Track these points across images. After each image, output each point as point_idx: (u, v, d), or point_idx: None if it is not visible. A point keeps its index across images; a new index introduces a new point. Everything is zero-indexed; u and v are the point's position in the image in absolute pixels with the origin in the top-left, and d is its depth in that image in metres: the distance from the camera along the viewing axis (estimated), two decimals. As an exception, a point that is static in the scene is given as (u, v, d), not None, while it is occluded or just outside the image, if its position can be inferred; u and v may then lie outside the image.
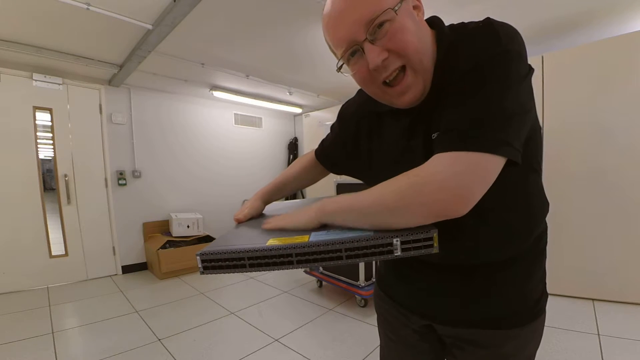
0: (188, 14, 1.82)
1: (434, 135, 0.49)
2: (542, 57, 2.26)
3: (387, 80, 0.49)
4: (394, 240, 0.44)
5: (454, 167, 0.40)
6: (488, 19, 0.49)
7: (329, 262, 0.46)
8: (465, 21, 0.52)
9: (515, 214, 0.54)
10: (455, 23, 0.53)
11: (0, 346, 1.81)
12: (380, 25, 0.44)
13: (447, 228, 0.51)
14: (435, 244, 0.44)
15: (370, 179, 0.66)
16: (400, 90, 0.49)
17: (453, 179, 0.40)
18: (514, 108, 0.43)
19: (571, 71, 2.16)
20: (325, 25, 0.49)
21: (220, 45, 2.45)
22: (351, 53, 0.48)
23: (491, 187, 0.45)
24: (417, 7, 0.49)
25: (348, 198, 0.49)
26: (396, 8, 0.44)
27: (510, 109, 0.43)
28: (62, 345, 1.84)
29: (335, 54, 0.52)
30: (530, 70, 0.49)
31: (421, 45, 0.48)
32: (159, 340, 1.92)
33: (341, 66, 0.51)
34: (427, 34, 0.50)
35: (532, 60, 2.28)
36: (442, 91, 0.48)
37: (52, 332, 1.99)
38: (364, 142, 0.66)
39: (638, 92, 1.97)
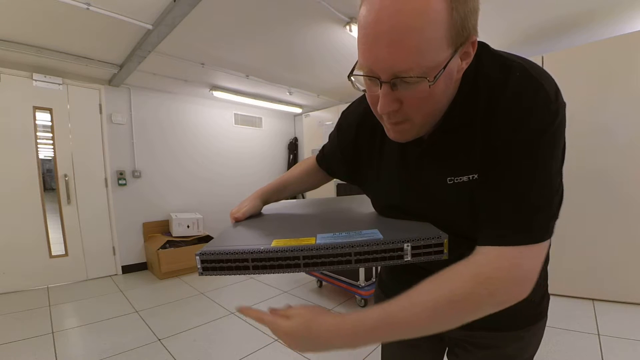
0: (188, 14, 1.82)
1: (451, 180, 0.48)
2: (542, 57, 2.26)
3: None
4: (405, 245, 0.43)
5: (517, 263, 0.40)
6: (523, 65, 0.44)
7: (337, 265, 0.44)
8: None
9: None
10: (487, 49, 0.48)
11: (0, 346, 1.81)
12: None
13: (451, 237, 0.50)
14: (445, 250, 0.44)
15: (369, 192, 0.66)
16: (395, 129, 0.47)
17: (517, 272, 0.41)
18: (560, 184, 0.44)
19: (571, 71, 2.16)
20: (359, 29, 0.40)
21: (220, 45, 2.45)
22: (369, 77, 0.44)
23: None
24: (467, 54, 0.42)
25: (378, 316, 0.42)
26: (437, 77, 0.38)
27: (560, 188, 0.43)
28: (62, 345, 1.84)
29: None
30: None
31: (438, 107, 0.44)
32: (159, 340, 1.92)
33: (352, 74, 0.46)
34: (456, 85, 0.45)
35: (532, 60, 2.28)
36: (463, 131, 0.47)
37: (52, 332, 1.99)
38: (364, 153, 0.63)
39: (638, 92, 1.96)
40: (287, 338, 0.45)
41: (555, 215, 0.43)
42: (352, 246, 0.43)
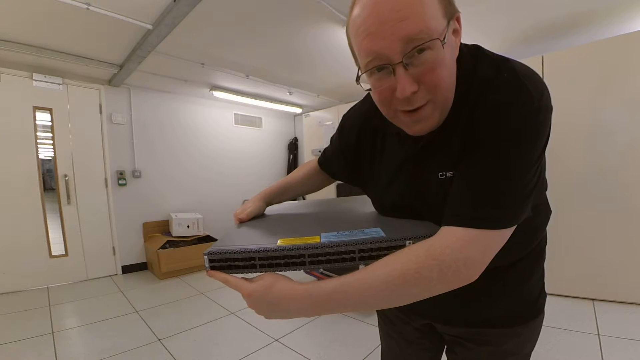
0: (188, 14, 1.82)
1: (442, 175, 0.49)
2: (542, 57, 2.25)
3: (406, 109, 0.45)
4: (407, 242, 0.44)
5: (468, 244, 0.41)
6: (513, 67, 0.44)
7: (341, 263, 0.45)
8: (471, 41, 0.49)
9: (519, 232, 0.54)
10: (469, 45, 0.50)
11: (0, 346, 1.81)
12: (421, 50, 0.39)
13: None
14: None
15: (370, 192, 0.66)
16: (416, 119, 0.46)
17: (467, 254, 0.41)
18: (534, 180, 0.44)
19: (571, 71, 2.16)
20: (356, 28, 0.42)
21: (220, 45, 2.45)
22: (378, 68, 0.43)
23: None
24: (457, 32, 0.44)
25: (333, 286, 0.43)
26: (444, 40, 0.39)
27: (532, 183, 0.43)
28: (62, 345, 1.84)
29: (356, 59, 0.47)
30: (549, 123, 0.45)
31: (452, 81, 0.45)
32: (159, 340, 1.92)
33: (360, 77, 0.46)
34: (455, 70, 0.45)
35: (532, 60, 2.28)
36: (453, 127, 0.47)
37: (52, 332, 1.99)
38: (365, 155, 0.64)
39: (638, 92, 1.96)
40: (249, 299, 0.46)
41: (522, 208, 0.43)
42: (356, 244, 0.44)
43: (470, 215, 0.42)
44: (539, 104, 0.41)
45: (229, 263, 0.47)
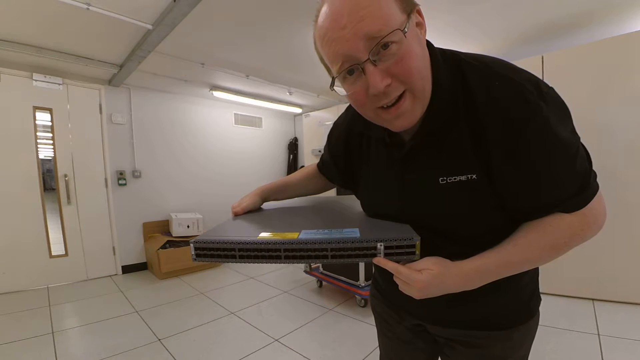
0: (188, 14, 1.82)
1: (443, 180, 0.49)
2: (542, 57, 2.26)
3: (385, 105, 0.45)
4: (378, 244, 0.46)
5: (589, 219, 0.47)
6: (501, 74, 0.45)
7: (315, 259, 0.48)
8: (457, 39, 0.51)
9: (510, 231, 0.52)
10: (444, 49, 0.51)
11: (0, 346, 1.81)
12: (386, 45, 0.40)
13: (428, 236, 0.51)
14: (417, 252, 0.46)
15: (359, 197, 0.69)
16: (396, 115, 0.45)
17: (597, 226, 0.48)
18: (577, 144, 0.47)
19: (571, 71, 2.16)
20: (321, 38, 0.44)
21: (220, 45, 2.45)
22: (348, 71, 0.44)
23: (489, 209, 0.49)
24: (420, 25, 0.45)
25: (496, 261, 0.48)
26: (405, 29, 0.40)
27: (580, 147, 0.47)
28: (62, 345, 1.84)
29: (328, 69, 0.48)
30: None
31: (425, 70, 0.45)
32: (159, 340, 1.92)
33: (333, 83, 0.47)
34: (427, 57, 0.47)
35: (532, 60, 2.28)
36: (437, 132, 0.48)
37: (52, 332, 1.99)
38: (354, 162, 0.67)
39: (638, 92, 1.96)
40: (422, 290, 0.48)
41: (588, 173, 0.47)
42: (329, 242, 0.46)
43: (571, 204, 0.46)
44: (539, 95, 0.42)
45: (212, 252, 0.50)
